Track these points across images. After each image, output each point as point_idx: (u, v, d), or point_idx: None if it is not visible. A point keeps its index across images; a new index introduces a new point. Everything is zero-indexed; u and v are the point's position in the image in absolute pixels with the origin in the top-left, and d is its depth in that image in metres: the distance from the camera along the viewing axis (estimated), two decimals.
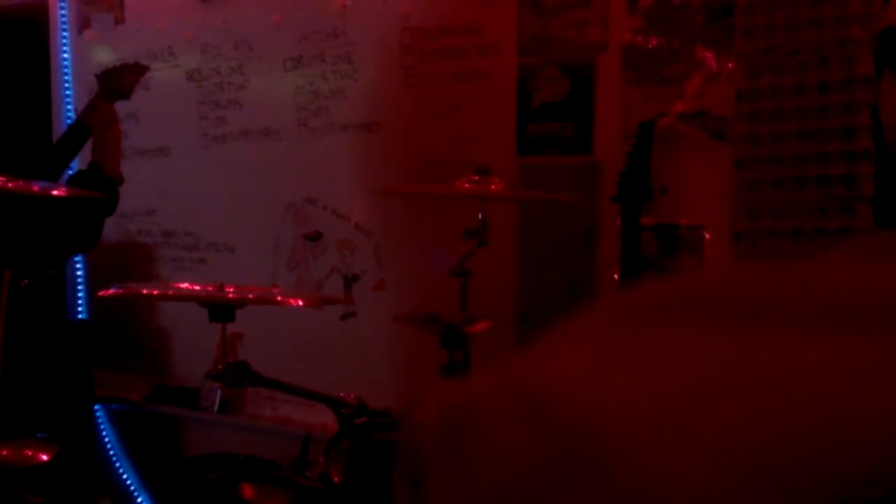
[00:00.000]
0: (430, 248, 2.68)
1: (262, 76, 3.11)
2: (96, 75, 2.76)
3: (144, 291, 2.63)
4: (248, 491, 1.89)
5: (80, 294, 3.57)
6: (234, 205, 3.18)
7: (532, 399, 0.35)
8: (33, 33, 3.60)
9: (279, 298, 2.23)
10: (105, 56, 3.45)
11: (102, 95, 2.66)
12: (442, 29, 2.72)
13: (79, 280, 3.57)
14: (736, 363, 0.33)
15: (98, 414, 3.46)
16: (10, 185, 1.77)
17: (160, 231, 3.39)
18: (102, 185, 2.55)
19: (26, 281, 2.63)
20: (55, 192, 2.18)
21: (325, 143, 2.97)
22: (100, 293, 1.99)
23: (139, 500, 3.40)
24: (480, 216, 2.02)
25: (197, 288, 2.15)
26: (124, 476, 3.44)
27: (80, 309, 3.57)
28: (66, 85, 3.58)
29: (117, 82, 2.67)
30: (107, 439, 3.47)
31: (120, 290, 2.21)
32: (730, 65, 2.29)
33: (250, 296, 1.96)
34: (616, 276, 2.32)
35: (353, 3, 2.89)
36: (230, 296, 1.87)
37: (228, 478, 1.89)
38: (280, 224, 3.09)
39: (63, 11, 3.55)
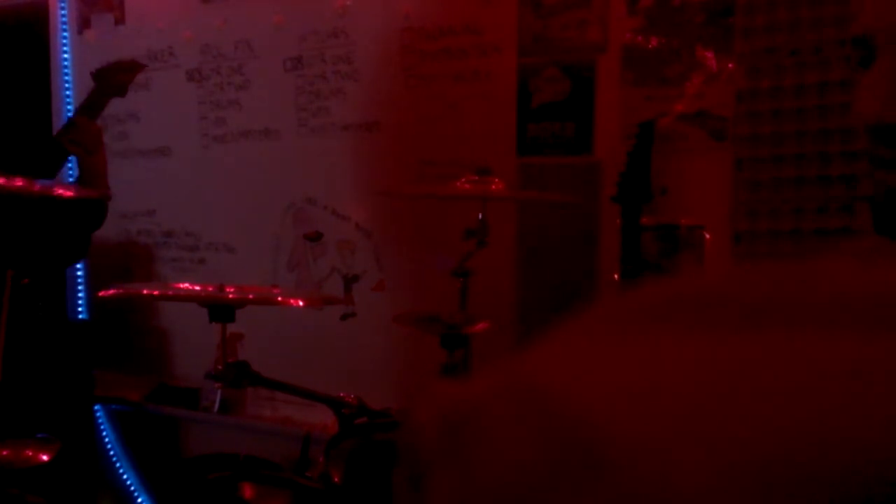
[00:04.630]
0: (430, 248, 2.68)
1: (262, 76, 3.11)
2: (91, 73, 2.76)
3: (144, 291, 2.63)
4: (248, 491, 1.89)
5: (80, 294, 3.57)
6: (234, 205, 3.18)
7: (533, 399, 0.35)
8: (33, 33, 3.60)
9: (279, 298, 2.22)
10: (105, 56, 3.44)
11: (98, 93, 2.65)
12: (442, 29, 2.72)
13: (79, 280, 3.57)
14: (737, 364, 0.33)
15: (98, 414, 3.46)
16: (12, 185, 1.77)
17: (160, 231, 3.39)
18: (91, 206, 2.55)
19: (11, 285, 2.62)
20: (58, 191, 2.17)
21: (325, 143, 2.97)
22: (100, 293, 1.99)
23: (139, 500, 3.40)
24: (480, 216, 2.02)
25: (197, 288, 2.15)
26: (124, 476, 3.44)
27: (80, 309, 3.57)
28: (66, 85, 3.58)
29: (111, 80, 2.66)
30: (107, 439, 3.47)
31: (120, 290, 2.21)
32: (730, 65, 2.29)
33: (250, 296, 1.96)
34: (616, 276, 2.32)
35: (353, 3, 2.89)
36: (230, 296, 1.87)
37: (228, 478, 1.89)
38: (280, 224, 3.09)
39: (63, 11, 3.55)
